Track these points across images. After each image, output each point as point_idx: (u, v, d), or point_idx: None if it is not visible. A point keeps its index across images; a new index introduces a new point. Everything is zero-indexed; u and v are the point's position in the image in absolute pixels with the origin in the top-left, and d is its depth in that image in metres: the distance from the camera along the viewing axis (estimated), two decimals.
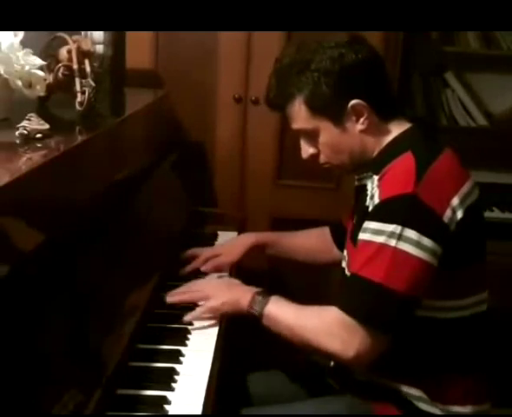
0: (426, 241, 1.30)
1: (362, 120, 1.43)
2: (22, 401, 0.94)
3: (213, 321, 1.52)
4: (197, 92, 2.40)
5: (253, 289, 1.48)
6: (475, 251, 1.43)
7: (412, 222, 1.30)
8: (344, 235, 1.63)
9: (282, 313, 1.42)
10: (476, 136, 2.81)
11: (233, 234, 2.13)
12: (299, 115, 1.46)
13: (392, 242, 1.30)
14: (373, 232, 1.34)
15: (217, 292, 1.53)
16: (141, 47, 2.28)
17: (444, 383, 1.42)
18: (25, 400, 0.95)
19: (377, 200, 1.37)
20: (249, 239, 1.89)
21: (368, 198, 1.42)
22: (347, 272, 1.51)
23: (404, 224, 1.30)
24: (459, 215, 1.34)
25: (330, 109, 1.43)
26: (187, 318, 1.50)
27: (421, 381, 1.41)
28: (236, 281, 1.59)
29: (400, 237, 1.30)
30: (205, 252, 1.86)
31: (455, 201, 1.34)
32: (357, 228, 1.41)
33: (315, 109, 1.43)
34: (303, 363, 1.68)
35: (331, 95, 1.41)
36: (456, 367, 1.43)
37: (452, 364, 1.42)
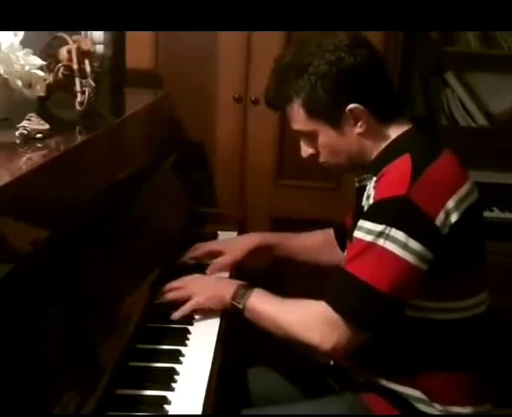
0: (414, 244, 1.31)
1: (360, 123, 1.43)
2: (23, 402, 0.94)
3: (213, 321, 1.52)
4: (197, 92, 2.40)
5: (237, 283, 1.51)
6: (474, 253, 1.43)
7: (401, 224, 1.31)
8: (345, 235, 1.63)
9: (264, 305, 1.45)
10: (476, 136, 2.80)
11: (233, 233, 2.13)
12: (298, 118, 1.47)
13: (380, 242, 1.31)
14: (365, 231, 1.35)
15: (201, 288, 1.55)
16: (141, 47, 2.28)
17: (443, 384, 1.41)
18: (25, 401, 0.95)
19: (371, 200, 1.38)
20: (254, 239, 1.88)
21: (364, 198, 1.43)
22: None
23: (393, 225, 1.31)
24: (453, 218, 1.34)
25: (327, 112, 1.43)
26: (175, 315, 1.51)
27: (420, 382, 1.41)
28: (221, 277, 1.60)
29: (388, 237, 1.31)
30: (208, 245, 1.88)
31: (450, 203, 1.34)
32: (354, 227, 1.42)
33: (312, 112, 1.44)
34: (303, 361, 1.68)
35: (328, 99, 1.41)
36: (455, 367, 1.43)
37: (451, 365, 1.42)
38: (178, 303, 1.54)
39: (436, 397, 1.41)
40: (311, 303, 1.40)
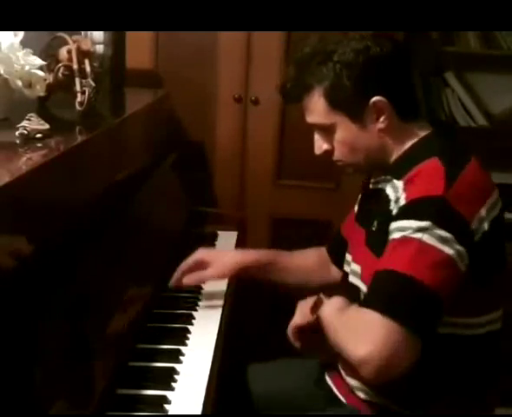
0: (453, 241, 1.23)
1: (382, 119, 1.35)
2: (23, 402, 0.94)
3: (212, 321, 1.53)
4: (197, 92, 2.40)
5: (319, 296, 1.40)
6: (497, 265, 1.36)
7: (441, 222, 1.23)
8: (343, 248, 1.57)
9: (327, 318, 1.34)
10: (476, 136, 2.80)
11: (233, 234, 2.13)
12: (317, 109, 1.39)
13: (418, 235, 1.22)
14: (399, 229, 1.26)
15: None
16: (141, 47, 2.28)
17: (446, 406, 1.36)
18: (25, 401, 0.95)
19: (403, 201, 1.29)
20: (245, 258, 1.69)
21: (392, 202, 1.33)
22: (357, 281, 1.43)
23: (433, 221, 1.23)
24: (485, 226, 1.27)
25: (350, 103, 1.36)
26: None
27: (419, 401, 1.36)
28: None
29: (427, 231, 1.22)
30: (198, 253, 1.69)
31: (482, 211, 1.28)
32: (378, 233, 1.34)
33: (334, 102, 1.36)
34: (303, 359, 1.66)
35: (352, 89, 1.34)
36: (462, 388, 1.37)
37: (459, 386, 1.36)
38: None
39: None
40: (352, 309, 1.30)
